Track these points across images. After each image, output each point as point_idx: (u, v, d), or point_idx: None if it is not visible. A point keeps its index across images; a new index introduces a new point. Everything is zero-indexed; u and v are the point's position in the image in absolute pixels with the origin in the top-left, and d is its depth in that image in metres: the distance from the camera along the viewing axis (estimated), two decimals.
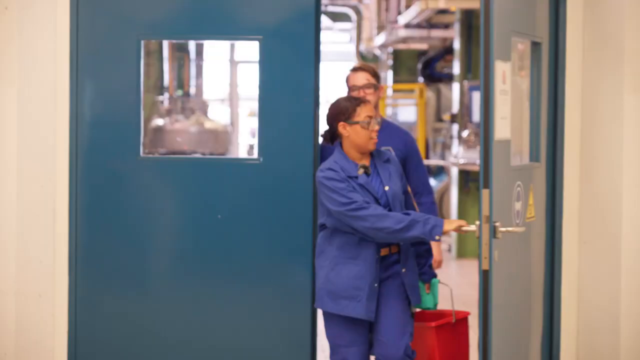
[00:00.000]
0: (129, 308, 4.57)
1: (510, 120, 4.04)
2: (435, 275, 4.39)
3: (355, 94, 4.47)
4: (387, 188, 4.08)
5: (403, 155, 4.58)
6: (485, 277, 3.78)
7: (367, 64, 4.67)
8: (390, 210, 4.05)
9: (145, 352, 4.57)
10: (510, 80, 4.02)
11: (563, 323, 4.52)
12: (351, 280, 4.03)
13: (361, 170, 4.05)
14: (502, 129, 3.92)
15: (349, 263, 4.05)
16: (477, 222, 3.82)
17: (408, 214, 3.98)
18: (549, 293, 4.54)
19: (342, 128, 4.05)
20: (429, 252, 4.35)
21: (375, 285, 4.04)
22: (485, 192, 3.80)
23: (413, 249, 4.22)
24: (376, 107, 4.54)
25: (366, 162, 4.11)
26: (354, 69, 4.58)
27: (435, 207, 4.71)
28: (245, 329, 4.52)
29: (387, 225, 3.93)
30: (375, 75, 4.57)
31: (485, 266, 3.79)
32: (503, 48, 3.92)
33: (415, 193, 4.64)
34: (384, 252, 4.10)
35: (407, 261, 4.13)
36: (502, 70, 3.91)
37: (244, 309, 4.52)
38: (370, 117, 4.06)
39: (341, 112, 4.06)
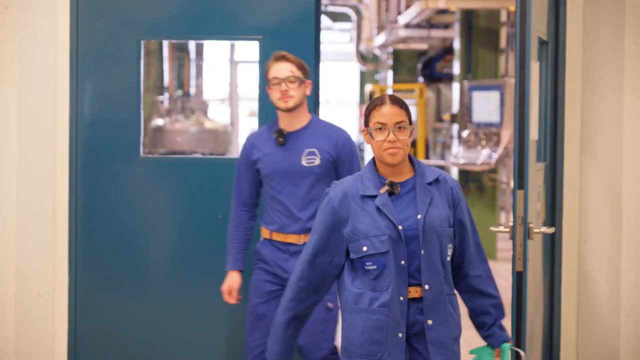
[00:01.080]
0: (129, 308, 4.57)
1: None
2: (508, 339, 3.33)
3: (275, 88, 4.02)
4: (419, 217, 3.16)
5: (332, 159, 4.08)
6: (519, 279, 3.71)
7: (292, 55, 4.06)
8: (424, 248, 3.15)
9: (145, 352, 4.57)
10: (538, 79, 4.05)
11: (563, 323, 4.52)
12: (367, 334, 3.18)
13: (385, 188, 3.19)
14: (534, 130, 3.93)
15: (363, 311, 3.19)
16: (509, 224, 3.78)
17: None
18: (549, 293, 4.54)
19: (365, 135, 3.27)
20: (497, 308, 3.32)
21: (400, 335, 3.16)
22: (520, 194, 3.77)
23: (454, 298, 3.26)
24: (301, 105, 4.05)
25: (399, 178, 3.23)
26: (276, 58, 4.05)
27: None
28: (245, 329, 4.52)
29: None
30: (302, 69, 4.05)
31: (519, 267, 3.73)
32: (535, 48, 3.90)
33: None
34: (414, 292, 3.19)
35: (435, 309, 3.18)
36: (536, 70, 3.92)
37: (244, 309, 4.52)
38: (383, 123, 3.18)
39: (365, 114, 3.30)
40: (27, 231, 4.43)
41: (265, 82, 4.38)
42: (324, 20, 19.30)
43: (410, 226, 3.16)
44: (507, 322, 3.45)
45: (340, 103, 24.15)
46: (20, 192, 4.41)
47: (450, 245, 3.22)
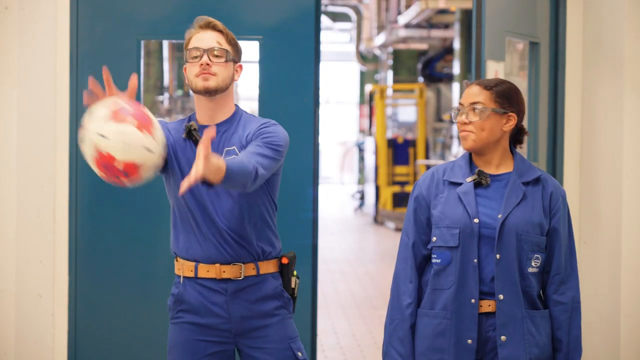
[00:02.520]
0: (129, 308, 4.57)
1: None
2: None
3: (193, 62, 3.03)
4: (500, 216, 2.84)
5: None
6: None
7: (223, 25, 3.15)
8: (499, 252, 2.83)
9: (145, 352, 4.57)
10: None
11: None
12: (428, 341, 2.91)
13: (472, 177, 2.89)
14: None
15: (425, 315, 2.92)
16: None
17: None
18: None
19: None
20: (570, 347, 2.92)
21: (470, 342, 2.84)
22: None
23: (540, 314, 2.90)
24: (226, 91, 3.07)
25: (494, 171, 2.91)
26: (201, 25, 3.13)
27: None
28: None
29: None
30: (234, 45, 3.10)
31: None
32: (496, 48, 3.91)
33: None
34: (481, 306, 2.86)
35: (509, 324, 2.84)
36: (494, 69, 3.93)
37: None
38: (461, 104, 2.92)
39: None
40: (27, 231, 4.43)
41: (265, 80, 4.35)
42: (324, 20, 19.30)
43: (488, 224, 2.83)
44: None
45: (340, 103, 24.16)
46: (20, 192, 4.41)
47: (537, 256, 2.86)
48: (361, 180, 17.79)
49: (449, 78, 15.33)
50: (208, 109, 3.07)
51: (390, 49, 17.00)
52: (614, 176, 4.39)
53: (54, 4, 4.45)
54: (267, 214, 3.06)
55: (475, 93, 2.88)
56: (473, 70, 3.85)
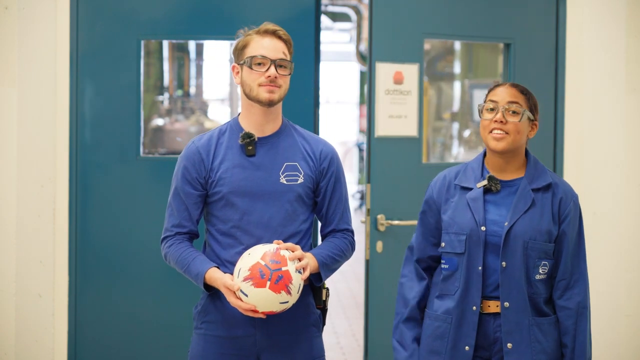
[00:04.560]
0: (129, 308, 4.57)
1: (417, 118, 4.42)
2: None
3: (258, 69, 2.90)
4: (506, 224, 2.80)
5: (314, 177, 3.06)
6: (367, 267, 4.33)
7: (285, 33, 2.99)
8: (505, 260, 2.79)
9: (145, 352, 4.57)
10: (418, 81, 4.39)
11: None
12: (428, 341, 2.92)
13: (482, 183, 2.86)
14: (388, 127, 4.33)
15: (428, 316, 2.94)
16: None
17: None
18: None
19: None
20: (575, 353, 2.91)
21: (467, 349, 2.83)
22: (368, 187, 4.23)
23: (547, 321, 2.87)
24: (271, 104, 2.94)
25: (506, 176, 2.88)
26: (266, 31, 2.95)
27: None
28: None
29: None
30: (291, 54, 3.00)
31: (367, 256, 4.27)
32: (408, 49, 4.36)
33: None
34: (489, 307, 2.85)
35: (516, 332, 2.82)
36: (388, 71, 4.31)
37: None
38: (495, 101, 2.83)
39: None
40: (27, 231, 4.43)
41: None
42: (324, 20, 19.30)
43: (495, 232, 2.81)
44: None
45: (340, 103, 24.15)
46: (20, 192, 4.41)
47: (545, 263, 2.83)
48: (361, 180, 17.80)
49: (450, 77, 15.34)
50: (261, 117, 2.97)
51: None
52: (613, 176, 4.39)
53: (54, 4, 4.44)
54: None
55: (514, 94, 2.84)
56: (367, 73, 4.31)
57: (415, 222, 4.19)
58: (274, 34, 2.93)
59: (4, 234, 4.41)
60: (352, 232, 3.06)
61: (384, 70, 4.32)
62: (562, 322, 2.86)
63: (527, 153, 2.91)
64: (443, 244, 2.89)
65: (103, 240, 4.55)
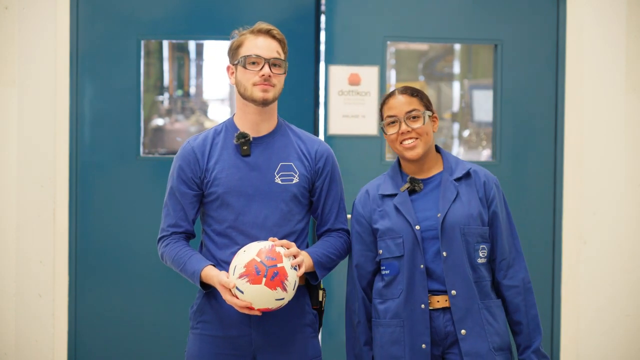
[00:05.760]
0: (129, 308, 4.56)
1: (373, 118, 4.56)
2: None
3: (252, 69, 2.90)
4: (439, 215, 2.86)
5: (309, 177, 3.06)
6: None
7: (279, 32, 2.97)
8: (445, 250, 2.85)
9: (145, 352, 4.57)
10: (378, 82, 4.51)
11: (563, 323, 4.52)
12: (384, 349, 2.92)
13: (405, 186, 2.92)
14: (343, 126, 4.48)
15: (379, 324, 2.94)
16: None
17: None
18: (549, 293, 4.54)
19: (385, 135, 2.98)
20: (530, 328, 2.93)
21: (424, 346, 2.86)
22: None
23: (494, 303, 2.91)
24: (275, 102, 2.98)
25: (426, 174, 2.95)
26: (260, 30, 2.94)
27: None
28: None
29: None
30: (286, 54, 2.99)
31: None
32: (350, 52, 4.48)
33: None
34: (438, 302, 2.88)
35: (467, 317, 2.86)
36: (342, 73, 4.46)
37: None
38: (393, 116, 2.92)
39: (379, 112, 3.03)
40: (27, 231, 4.43)
41: None
42: (324, 20, 19.29)
43: (430, 226, 2.86)
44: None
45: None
46: (20, 192, 4.41)
47: (483, 247, 2.88)
48: None
49: (450, 77, 15.34)
50: (256, 117, 2.96)
51: (392, 49, 17.03)
52: (614, 176, 4.39)
53: (54, 4, 4.44)
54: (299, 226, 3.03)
55: (407, 101, 2.92)
56: (322, 75, 4.47)
57: None
58: (267, 33, 2.93)
59: (4, 234, 4.41)
60: (347, 231, 3.06)
61: (337, 72, 4.48)
62: (511, 300, 2.91)
63: (437, 148, 2.99)
64: (380, 251, 2.92)
65: (103, 240, 4.55)
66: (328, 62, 4.49)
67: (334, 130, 4.50)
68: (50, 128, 4.48)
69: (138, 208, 4.55)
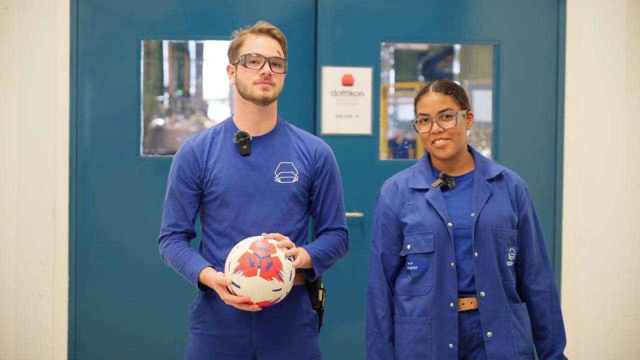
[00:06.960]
0: (129, 308, 4.56)
1: (371, 117, 4.58)
2: None
3: (252, 67, 2.91)
4: (473, 215, 2.82)
5: (309, 177, 3.06)
6: None
7: (280, 32, 2.99)
8: (477, 250, 2.80)
9: (145, 352, 4.57)
10: (371, 83, 4.55)
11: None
12: (410, 347, 2.87)
13: (438, 182, 2.86)
14: (336, 126, 4.50)
15: (404, 322, 2.89)
16: None
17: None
18: None
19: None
20: (555, 334, 2.92)
21: (451, 346, 2.82)
22: None
23: (521, 307, 2.89)
24: (274, 102, 2.99)
25: (456, 172, 2.90)
26: (261, 30, 2.96)
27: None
28: None
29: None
30: (286, 54, 3.01)
31: None
32: (343, 53, 4.49)
33: None
34: (463, 304, 2.84)
35: (494, 320, 2.82)
36: (336, 74, 4.49)
37: None
38: (425, 114, 2.85)
39: (414, 107, 2.96)
40: (27, 231, 4.43)
41: None
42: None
43: (462, 224, 2.81)
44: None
45: None
46: (20, 192, 4.41)
47: (512, 250, 2.86)
48: None
49: (450, 77, 15.35)
50: (255, 116, 2.97)
51: (392, 49, 17.02)
52: (613, 176, 4.39)
53: (53, 4, 4.44)
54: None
55: (441, 100, 2.86)
56: (314, 75, 4.46)
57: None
58: (268, 32, 2.94)
59: (4, 234, 4.41)
60: (346, 231, 3.05)
61: (330, 73, 4.51)
62: (538, 305, 2.89)
63: (469, 148, 2.94)
64: (409, 246, 2.86)
65: (103, 240, 4.55)
66: (321, 63, 4.49)
67: (327, 129, 4.52)
68: (51, 128, 4.48)
69: (138, 208, 4.55)
